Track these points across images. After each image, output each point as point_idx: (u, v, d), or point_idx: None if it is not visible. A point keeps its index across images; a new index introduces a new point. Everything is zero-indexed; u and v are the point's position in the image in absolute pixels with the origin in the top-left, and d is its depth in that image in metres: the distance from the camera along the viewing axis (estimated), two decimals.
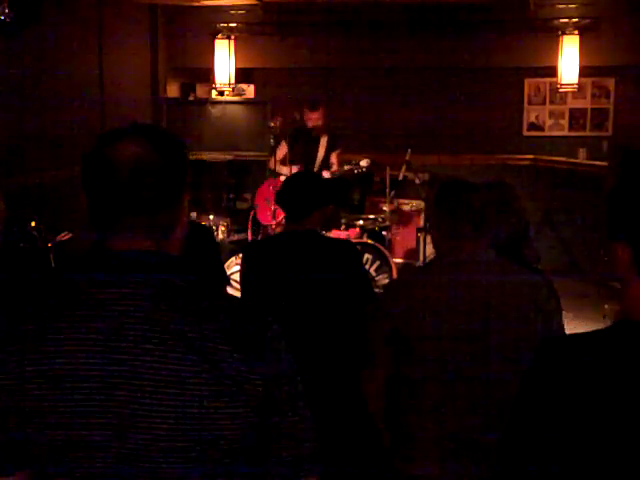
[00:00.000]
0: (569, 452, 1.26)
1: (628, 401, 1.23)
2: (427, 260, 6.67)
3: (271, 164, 6.75)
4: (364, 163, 6.49)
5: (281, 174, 6.67)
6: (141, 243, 1.33)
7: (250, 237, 6.84)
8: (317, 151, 6.68)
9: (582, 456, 1.26)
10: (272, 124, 6.50)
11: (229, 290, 3.23)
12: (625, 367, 1.25)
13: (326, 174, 6.53)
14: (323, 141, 6.69)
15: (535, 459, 1.30)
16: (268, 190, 6.78)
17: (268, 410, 1.30)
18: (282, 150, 6.80)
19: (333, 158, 6.77)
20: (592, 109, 8.26)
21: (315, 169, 6.61)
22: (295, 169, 6.45)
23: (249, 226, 6.89)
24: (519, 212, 3.21)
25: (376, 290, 5.53)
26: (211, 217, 6.63)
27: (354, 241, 6.24)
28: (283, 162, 6.79)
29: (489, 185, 3.15)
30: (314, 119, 6.58)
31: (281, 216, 6.34)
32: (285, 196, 3.23)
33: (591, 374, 1.26)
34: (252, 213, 6.87)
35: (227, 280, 3.25)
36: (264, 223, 6.68)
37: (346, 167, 6.57)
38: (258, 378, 1.28)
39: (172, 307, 1.29)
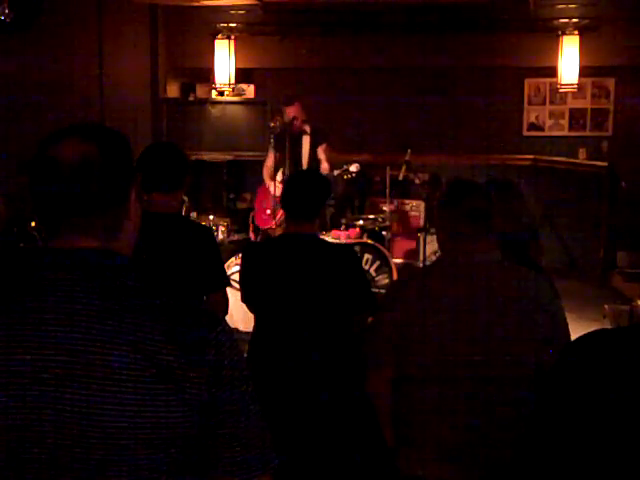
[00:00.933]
0: (597, 451, 1.22)
1: None
2: (427, 260, 6.68)
3: (264, 173, 6.74)
4: (353, 168, 6.44)
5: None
6: (87, 242, 1.33)
7: (253, 238, 6.85)
8: (301, 150, 6.58)
9: (609, 457, 1.21)
10: (272, 124, 6.48)
11: (229, 290, 3.23)
12: None
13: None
14: (306, 139, 6.59)
15: (560, 461, 1.27)
16: (263, 193, 6.79)
17: (211, 410, 1.30)
18: (270, 158, 6.76)
19: (321, 154, 6.65)
20: (592, 109, 8.26)
21: (305, 167, 6.52)
22: (279, 184, 6.49)
23: (250, 228, 6.90)
24: (521, 212, 3.20)
25: (376, 290, 5.55)
26: (211, 217, 6.63)
27: (354, 241, 6.25)
28: (272, 170, 6.75)
29: (491, 183, 3.14)
30: (290, 113, 6.50)
31: (277, 218, 6.34)
32: (290, 197, 3.20)
33: (626, 371, 1.22)
34: (252, 215, 6.89)
35: (228, 281, 3.25)
36: (261, 226, 6.66)
37: (336, 172, 6.50)
38: (200, 378, 1.28)
39: (119, 306, 1.29)
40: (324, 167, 6.56)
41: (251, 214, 6.91)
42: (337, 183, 6.83)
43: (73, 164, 1.31)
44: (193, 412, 1.28)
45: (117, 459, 1.25)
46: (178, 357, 1.27)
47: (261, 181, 6.92)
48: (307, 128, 6.59)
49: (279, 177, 6.57)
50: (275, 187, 6.36)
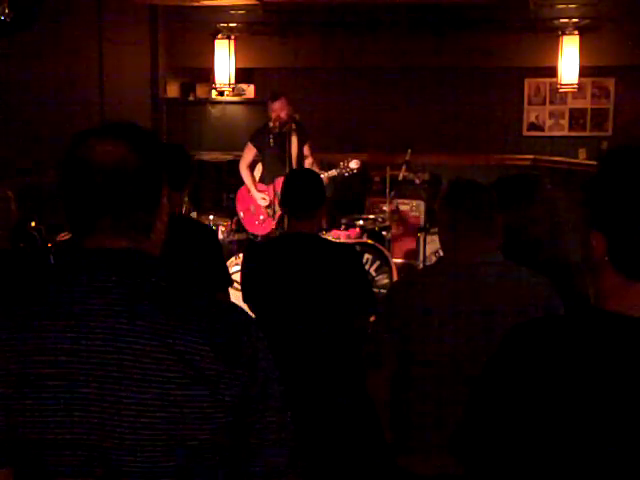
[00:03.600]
0: (528, 434, 1.30)
1: (589, 387, 1.26)
2: (427, 260, 6.68)
3: (245, 174, 6.66)
4: (354, 165, 6.32)
5: (244, 180, 6.66)
6: (119, 242, 1.33)
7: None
8: (290, 149, 6.44)
9: (539, 440, 1.29)
10: (271, 124, 6.47)
11: (230, 290, 3.23)
12: (589, 352, 1.28)
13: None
14: (294, 138, 6.49)
15: (496, 444, 1.35)
16: (246, 197, 6.71)
17: (244, 411, 1.30)
18: (249, 153, 6.70)
19: (306, 151, 6.58)
20: (592, 109, 8.26)
21: (294, 165, 6.42)
22: (256, 175, 6.47)
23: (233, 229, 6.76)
24: (542, 214, 3.07)
25: (376, 290, 5.55)
26: (211, 217, 6.61)
27: (354, 241, 6.24)
28: (250, 167, 6.71)
29: (518, 179, 3.03)
30: (276, 109, 6.42)
31: (271, 226, 6.29)
32: (292, 196, 3.18)
33: (554, 357, 1.30)
34: (236, 220, 6.75)
35: (230, 281, 3.24)
36: (253, 232, 6.57)
37: (336, 171, 6.37)
38: (234, 378, 1.28)
39: (152, 306, 1.28)
40: (309, 162, 6.48)
41: (234, 219, 6.69)
42: (336, 182, 6.76)
43: (107, 165, 1.30)
44: (228, 413, 1.28)
45: (147, 461, 1.25)
46: (214, 359, 1.27)
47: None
48: (294, 125, 6.44)
49: (256, 175, 6.57)
50: (273, 191, 6.31)
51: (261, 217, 6.49)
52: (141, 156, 1.33)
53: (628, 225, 1.28)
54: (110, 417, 1.25)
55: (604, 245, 1.32)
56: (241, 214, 6.72)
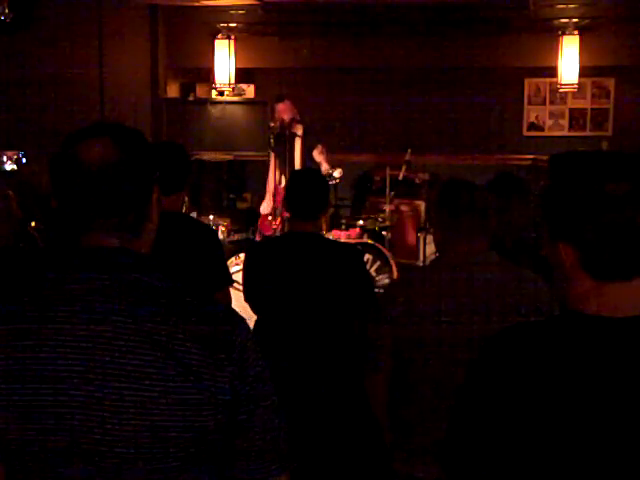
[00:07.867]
0: (512, 440, 1.31)
1: (572, 389, 1.29)
2: (427, 260, 6.68)
3: (269, 179, 6.69)
4: (337, 174, 6.37)
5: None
6: (111, 242, 1.34)
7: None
8: (292, 152, 6.45)
9: (524, 445, 1.31)
10: (272, 124, 6.47)
11: (231, 290, 3.23)
12: (571, 355, 1.31)
13: None
14: (297, 142, 6.50)
15: (479, 448, 1.37)
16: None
17: (235, 409, 1.31)
18: (272, 163, 6.70)
19: (317, 156, 6.56)
20: (592, 109, 8.27)
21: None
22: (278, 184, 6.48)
23: (257, 235, 6.81)
24: (525, 209, 3.17)
25: (376, 290, 5.55)
26: (211, 217, 6.61)
27: (354, 241, 6.25)
28: (278, 175, 6.71)
29: (504, 180, 3.13)
30: (280, 111, 6.45)
31: (277, 223, 6.31)
32: (295, 196, 3.17)
33: (537, 361, 1.32)
34: (259, 221, 6.81)
35: (230, 280, 3.24)
36: (265, 233, 6.60)
37: None
38: (225, 377, 1.29)
39: (141, 305, 1.30)
40: (325, 169, 6.46)
41: (259, 220, 6.83)
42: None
43: (97, 165, 1.32)
44: (218, 411, 1.29)
45: (135, 458, 1.26)
46: (204, 356, 1.28)
47: (262, 179, 6.86)
48: (299, 130, 6.48)
49: (283, 183, 6.52)
50: (277, 194, 6.31)
51: (269, 218, 6.51)
52: (131, 156, 1.35)
53: (597, 233, 1.30)
54: (107, 417, 1.25)
55: (574, 254, 1.33)
56: (261, 214, 6.78)
